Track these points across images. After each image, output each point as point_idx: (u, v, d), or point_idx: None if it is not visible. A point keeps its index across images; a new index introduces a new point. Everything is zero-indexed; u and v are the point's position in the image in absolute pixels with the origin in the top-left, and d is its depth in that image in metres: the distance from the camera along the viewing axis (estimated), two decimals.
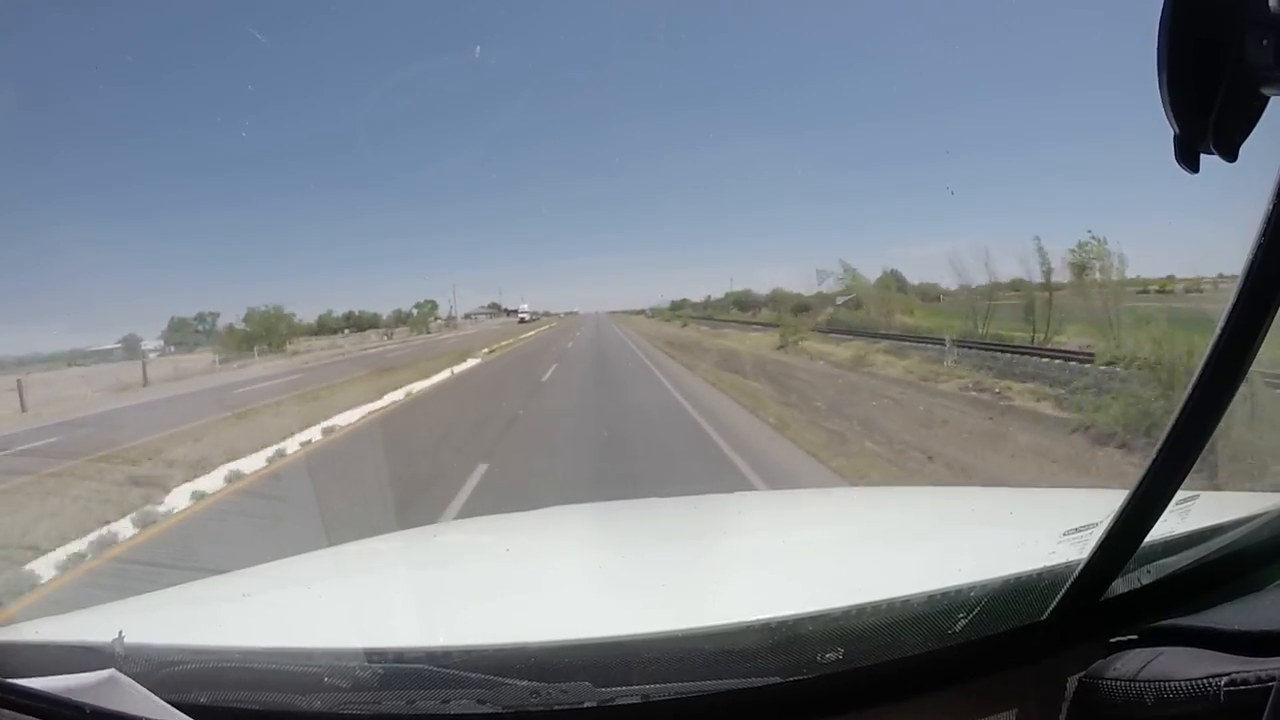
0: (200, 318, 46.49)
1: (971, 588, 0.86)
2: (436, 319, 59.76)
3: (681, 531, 1.66)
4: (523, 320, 69.34)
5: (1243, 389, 0.67)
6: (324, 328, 51.74)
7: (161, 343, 40.71)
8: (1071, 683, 0.85)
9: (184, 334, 42.56)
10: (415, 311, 60.31)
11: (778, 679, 0.81)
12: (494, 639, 0.85)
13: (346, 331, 51.94)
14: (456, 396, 13.79)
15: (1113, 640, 0.85)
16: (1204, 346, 0.64)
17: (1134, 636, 0.84)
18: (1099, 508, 0.86)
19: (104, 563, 4.70)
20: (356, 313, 56.46)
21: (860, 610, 0.84)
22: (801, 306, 31.73)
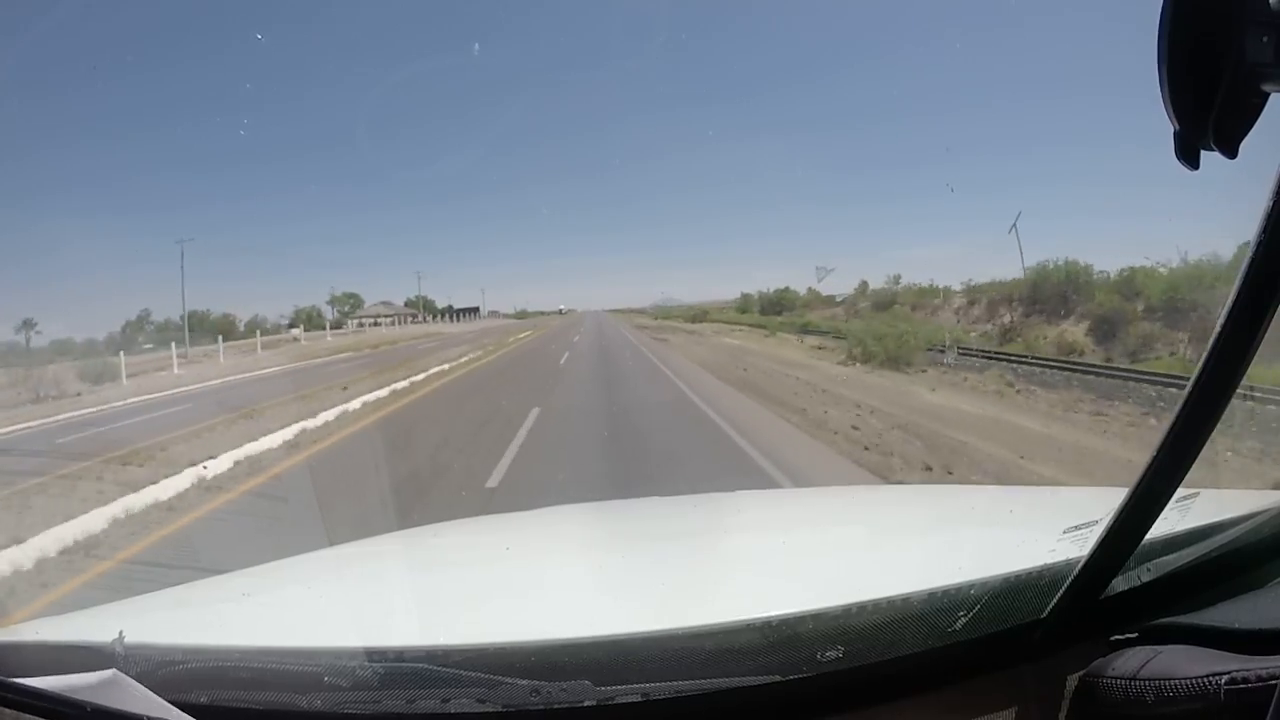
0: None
1: (971, 586, 0.86)
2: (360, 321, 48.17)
3: (681, 530, 1.66)
4: None
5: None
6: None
7: None
8: (1071, 681, 0.85)
9: None
10: (330, 308, 49.20)
11: (778, 677, 0.81)
12: (494, 638, 0.85)
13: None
14: None
15: (1113, 638, 0.85)
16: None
17: (1134, 635, 0.84)
18: (1099, 505, 0.86)
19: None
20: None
21: (860, 608, 0.84)
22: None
